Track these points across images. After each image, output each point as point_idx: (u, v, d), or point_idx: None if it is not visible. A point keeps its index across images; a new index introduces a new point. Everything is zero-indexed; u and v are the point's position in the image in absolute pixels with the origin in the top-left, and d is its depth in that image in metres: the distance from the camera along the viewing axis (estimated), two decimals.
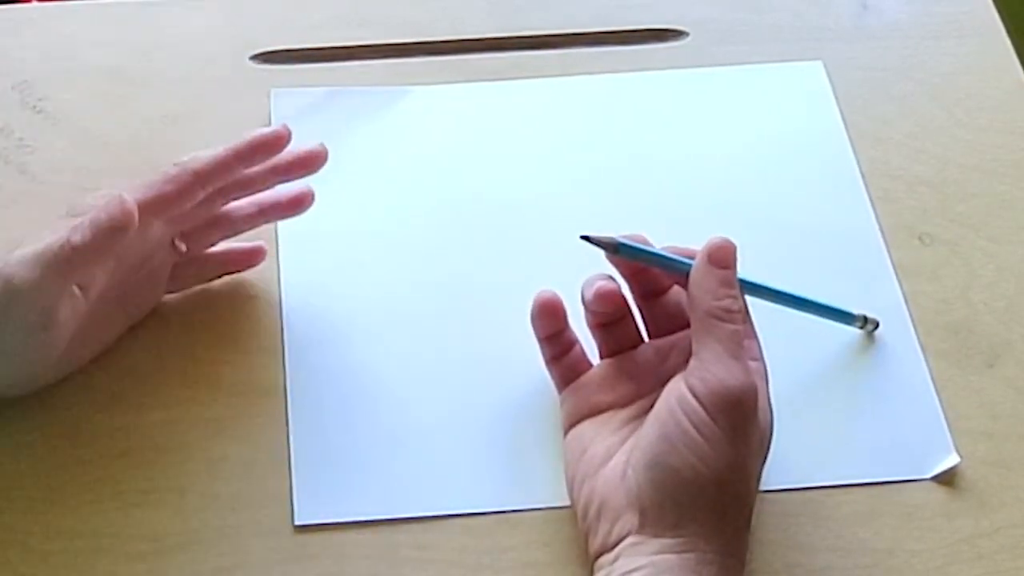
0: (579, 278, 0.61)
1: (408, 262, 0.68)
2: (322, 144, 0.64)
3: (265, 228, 0.68)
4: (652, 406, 0.57)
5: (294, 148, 0.64)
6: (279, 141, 0.63)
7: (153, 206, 0.59)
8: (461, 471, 0.61)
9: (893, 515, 0.61)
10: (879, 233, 0.70)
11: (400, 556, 0.59)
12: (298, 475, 0.61)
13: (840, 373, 0.65)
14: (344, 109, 0.74)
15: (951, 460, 0.62)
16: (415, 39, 0.78)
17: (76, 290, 0.58)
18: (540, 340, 0.62)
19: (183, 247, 0.63)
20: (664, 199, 0.71)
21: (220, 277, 0.66)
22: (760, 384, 0.57)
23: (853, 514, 0.61)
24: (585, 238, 0.59)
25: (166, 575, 0.58)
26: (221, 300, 0.66)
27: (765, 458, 0.57)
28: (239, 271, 0.66)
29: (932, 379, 0.65)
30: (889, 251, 0.70)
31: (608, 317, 0.61)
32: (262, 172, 0.63)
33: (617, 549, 0.55)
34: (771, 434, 0.57)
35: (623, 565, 0.54)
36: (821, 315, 0.65)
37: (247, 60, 0.76)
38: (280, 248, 0.68)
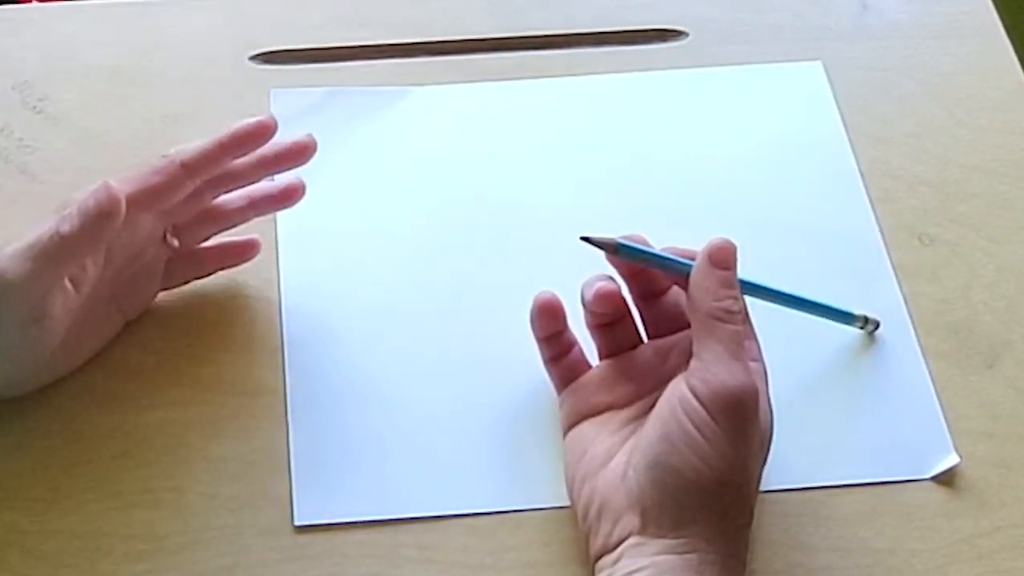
0: (579, 279, 0.61)
1: (408, 262, 0.68)
2: (311, 135, 0.64)
3: (265, 228, 0.68)
4: (652, 407, 0.57)
5: (283, 140, 0.63)
6: (265, 131, 0.62)
7: (142, 198, 0.59)
8: (462, 471, 0.61)
9: (893, 515, 0.61)
10: (879, 233, 0.70)
11: (400, 556, 0.59)
12: (298, 475, 0.61)
13: (840, 373, 0.65)
14: (344, 109, 0.74)
15: (951, 460, 0.62)
16: (415, 39, 0.78)
17: (68, 284, 0.58)
18: (539, 341, 0.62)
19: (175, 242, 0.63)
20: (664, 199, 0.71)
21: (215, 272, 0.66)
22: (760, 385, 0.57)
23: (853, 514, 0.61)
24: (585, 239, 0.59)
25: (166, 575, 0.58)
26: (221, 300, 0.66)
27: (765, 458, 0.57)
28: (234, 265, 0.66)
29: (932, 379, 0.65)
30: (889, 251, 0.70)
31: (608, 318, 0.61)
32: (251, 164, 0.63)
33: (618, 550, 0.55)
34: (771, 434, 0.57)
35: (624, 566, 0.54)
36: (821, 315, 0.65)
37: (247, 60, 0.76)
38: (280, 248, 0.68)
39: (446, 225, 0.70)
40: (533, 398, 0.63)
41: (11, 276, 0.55)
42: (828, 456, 0.62)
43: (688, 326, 0.58)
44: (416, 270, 0.68)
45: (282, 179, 0.65)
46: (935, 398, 0.65)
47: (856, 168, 0.73)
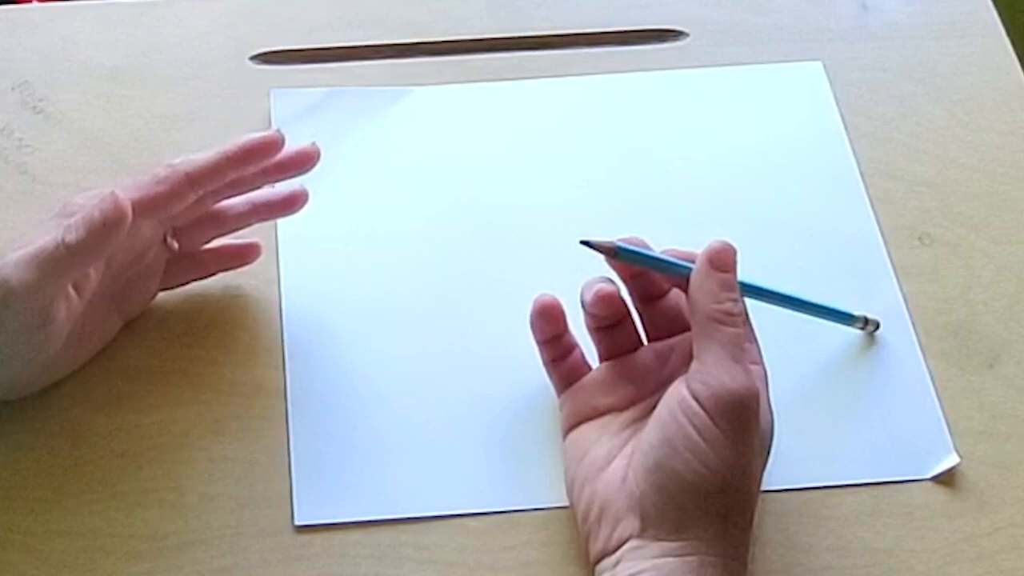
0: (579, 281, 0.61)
1: (408, 263, 0.68)
2: (314, 144, 0.64)
3: (265, 228, 0.68)
4: (652, 409, 0.57)
5: (287, 148, 0.63)
6: (272, 146, 0.63)
7: (144, 206, 0.59)
8: (461, 471, 0.61)
9: (893, 515, 0.61)
10: (879, 233, 0.70)
11: (400, 556, 0.59)
12: (298, 475, 0.61)
13: (840, 373, 0.65)
14: (344, 109, 0.74)
15: (951, 460, 0.62)
16: (415, 39, 0.78)
17: (71, 290, 0.58)
18: (539, 343, 0.62)
19: (175, 244, 0.63)
20: (664, 199, 0.71)
21: (215, 274, 0.66)
22: (761, 387, 0.57)
23: (853, 514, 0.61)
24: (585, 243, 0.59)
25: (166, 575, 0.58)
26: (221, 300, 0.66)
27: (766, 460, 0.57)
28: (234, 268, 0.66)
29: (932, 379, 0.65)
30: (889, 251, 0.70)
31: (607, 320, 0.61)
32: (254, 172, 0.63)
33: (618, 553, 0.55)
34: (772, 436, 0.57)
35: (625, 569, 0.54)
36: (822, 317, 0.65)
37: (247, 60, 0.76)
38: (280, 248, 0.68)
39: (446, 225, 0.70)
40: (532, 399, 0.63)
41: (16, 284, 0.55)
42: (828, 456, 0.63)
43: (688, 328, 0.58)
44: (416, 270, 0.68)
45: (285, 186, 0.65)
46: (935, 398, 0.65)
47: (856, 168, 0.73)
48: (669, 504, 0.54)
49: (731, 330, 0.56)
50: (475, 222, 0.70)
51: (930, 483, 0.62)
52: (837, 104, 0.76)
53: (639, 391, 0.60)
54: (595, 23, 0.79)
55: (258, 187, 0.64)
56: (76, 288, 0.59)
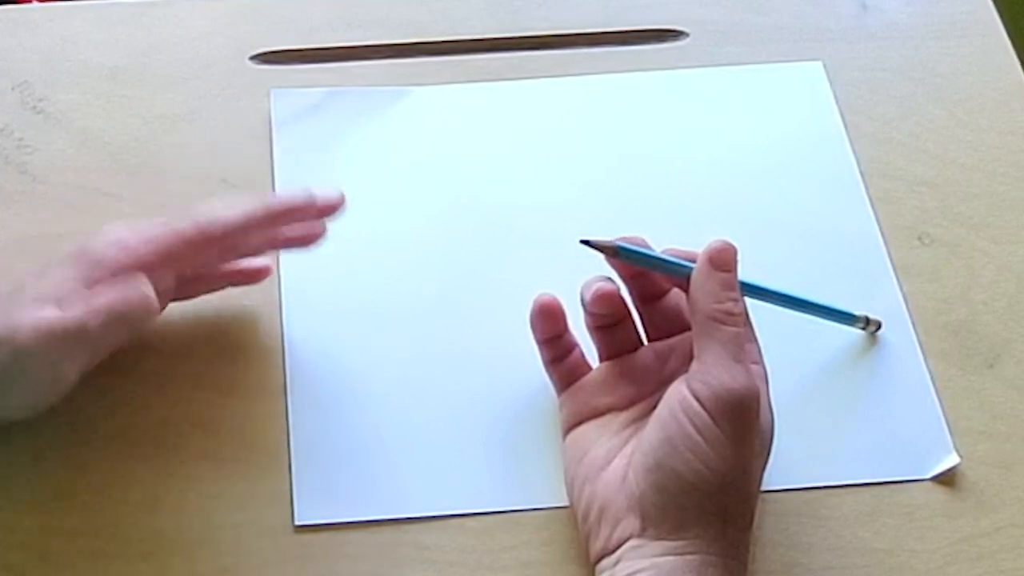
0: (579, 280, 0.61)
1: (408, 262, 0.68)
2: (341, 194, 0.63)
3: None
4: (652, 409, 0.57)
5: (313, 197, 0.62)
6: (305, 212, 0.62)
7: (163, 263, 0.59)
8: (461, 471, 0.61)
9: (893, 515, 0.61)
10: (879, 233, 0.70)
11: (400, 556, 0.59)
12: (298, 475, 0.61)
13: (840, 373, 0.65)
14: (344, 109, 0.74)
15: (951, 460, 0.62)
16: (415, 39, 0.78)
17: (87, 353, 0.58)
18: (539, 343, 0.62)
19: (188, 271, 0.63)
20: (664, 199, 0.71)
21: (223, 288, 0.65)
22: (761, 387, 0.57)
23: (853, 514, 0.61)
24: (585, 242, 0.59)
25: (166, 575, 0.58)
26: (222, 301, 0.66)
27: (766, 460, 0.57)
28: (244, 285, 0.65)
29: (932, 379, 0.65)
30: (889, 251, 0.70)
31: (607, 319, 0.61)
32: (276, 239, 0.63)
33: (618, 552, 0.55)
34: (772, 436, 0.57)
35: (625, 568, 0.54)
36: (822, 317, 0.65)
37: (247, 60, 0.76)
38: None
39: (446, 225, 0.70)
40: (532, 399, 0.63)
41: (31, 351, 0.55)
42: (828, 456, 0.63)
43: (688, 328, 0.58)
44: (416, 270, 0.68)
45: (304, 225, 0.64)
46: (935, 398, 0.65)
47: (856, 168, 0.73)
48: (669, 504, 0.54)
49: (732, 329, 0.56)
50: (475, 222, 0.70)
51: (930, 483, 0.62)
52: (837, 104, 0.76)
53: (639, 391, 0.60)
54: (595, 23, 0.79)
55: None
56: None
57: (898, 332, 0.66)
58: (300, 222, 0.64)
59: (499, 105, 0.75)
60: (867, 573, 0.59)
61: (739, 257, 0.58)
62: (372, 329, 0.66)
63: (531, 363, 0.62)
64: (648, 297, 0.61)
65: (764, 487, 0.58)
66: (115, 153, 0.72)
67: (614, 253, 0.59)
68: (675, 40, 0.79)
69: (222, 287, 0.65)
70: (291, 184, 0.70)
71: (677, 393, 0.55)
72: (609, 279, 0.60)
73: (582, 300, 0.61)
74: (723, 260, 0.57)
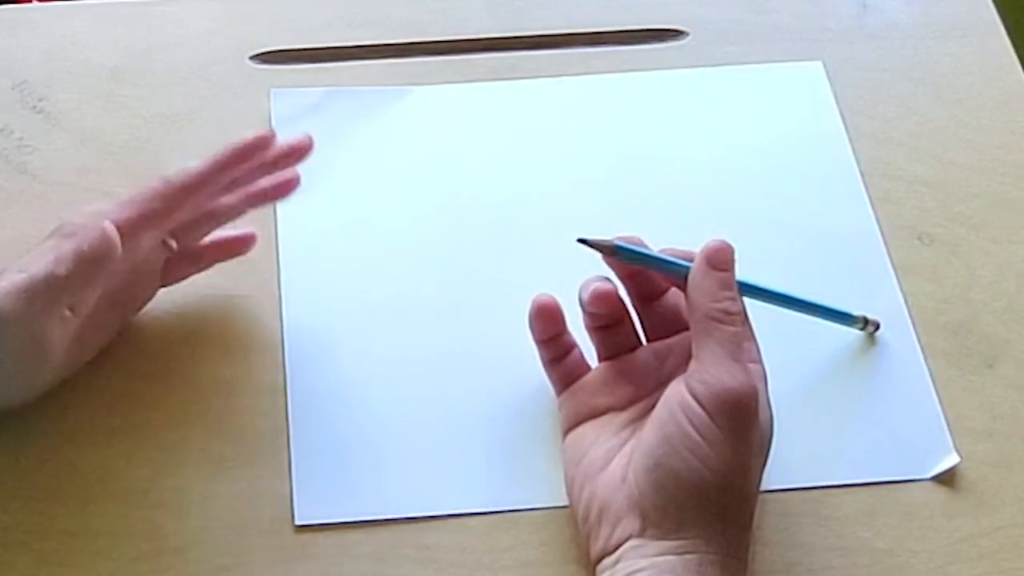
0: (579, 280, 0.61)
1: (408, 262, 0.68)
2: (308, 135, 0.65)
3: (265, 228, 0.68)
4: (651, 409, 0.57)
5: (280, 142, 0.64)
6: (264, 145, 0.63)
7: (142, 222, 0.59)
8: (461, 471, 0.61)
9: (893, 515, 0.61)
10: (879, 233, 0.70)
11: (399, 556, 0.59)
12: (298, 475, 0.61)
13: (840, 373, 0.65)
14: (344, 109, 0.74)
15: (951, 460, 0.62)
16: (415, 39, 0.78)
17: (67, 312, 0.58)
18: (538, 343, 0.62)
19: (173, 244, 0.63)
20: (663, 199, 0.71)
21: (212, 265, 0.66)
22: (760, 386, 0.57)
23: (853, 514, 0.61)
24: (582, 241, 0.59)
25: (166, 575, 0.58)
26: (221, 300, 0.66)
27: (766, 459, 0.57)
28: (232, 258, 0.66)
29: (932, 379, 0.65)
30: (889, 251, 0.70)
31: (605, 319, 0.61)
32: (249, 169, 0.63)
33: (618, 552, 0.55)
34: (771, 436, 0.57)
35: (625, 568, 0.54)
36: (821, 317, 0.65)
37: (247, 60, 0.76)
38: (280, 248, 0.68)
39: (445, 225, 0.70)
40: (532, 398, 0.63)
41: (7, 315, 0.55)
42: (828, 456, 0.62)
43: (686, 328, 0.58)
44: (416, 270, 0.68)
45: (278, 174, 0.65)
46: (935, 398, 0.65)
47: (856, 168, 0.73)
48: (669, 503, 0.54)
49: (730, 329, 0.56)
50: (474, 222, 0.70)
51: (930, 483, 0.62)
52: (837, 104, 0.76)
53: (638, 391, 0.60)
54: (594, 23, 0.79)
55: (252, 182, 0.64)
56: (72, 310, 0.58)
57: (898, 332, 0.66)
58: (270, 169, 0.64)
59: (498, 105, 0.75)
60: (867, 573, 0.59)
61: (739, 257, 0.58)
62: (372, 329, 0.66)
63: (531, 363, 0.62)
64: (646, 297, 0.61)
65: (764, 487, 0.58)
66: (115, 153, 0.72)
67: (612, 252, 0.59)
68: (675, 40, 0.79)
69: (211, 264, 0.65)
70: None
71: (676, 393, 0.55)
72: (607, 279, 0.60)
73: (580, 300, 0.60)
74: (720, 259, 0.57)
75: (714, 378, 0.54)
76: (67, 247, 0.57)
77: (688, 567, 0.53)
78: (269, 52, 0.77)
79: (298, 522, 0.59)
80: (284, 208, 0.69)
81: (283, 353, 0.65)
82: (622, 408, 0.60)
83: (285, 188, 0.65)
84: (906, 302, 0.68)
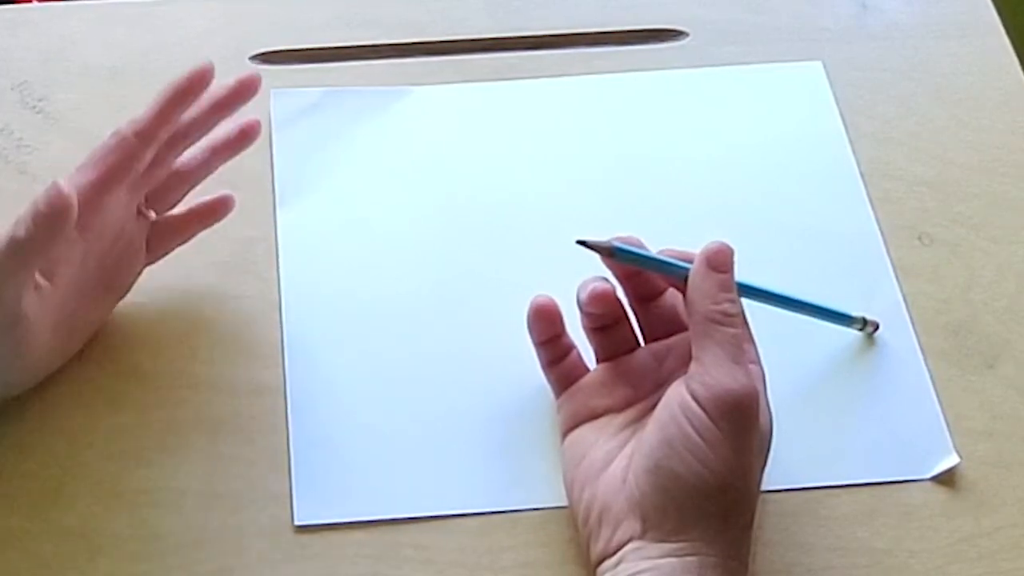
0: (579, 282, 0.61)
1: (407, 262, 0.68)
2: (252, 74, 0.64)
3: (265, 228, 0.68)
4: (650, 410, 0.57)
5: (226, 81, 0.63)
6: (204, 75, 0.62)
7: (106, 179, 0.59)
8: (460, 471, 0.61)
9: (893, 515, 0.61)
10: (879, 233, 0.70)
11: (399, 556, 0.59)
12: (298, 475, 0.61)
13: (840, 373, 0.65)
14: (344, 109, 0.74)
15: (951, 460, 0.62)
16: (415, 39, 0.78)
17: (42, 280, 0.58)
18: (537, 345, 0.62)
19: (151, 213, 0.63)
20: (663, 199, 0.71)
21: (195, 234, 0.65)
22: (760, 387, 0.57)
23: (853, 514, 0.61)
24: (581, 242, 0.59)
25: (166, 575, 0.58)
26: (221, 300, 0.66)
27: (765, 460, 0.57)
28: (213, 224, 0.66)
29: (932, 379, 0.65)
30: (889, 251, 0.70)
31: (603, 320, 0.61)
32: (203, 113, 0.63)
33: (619, 554, 0.55)
34: (771, 436, 0.57)
35: (625, 570, 0.54)
36: (820, 318, 0.65)
37: (247, 60, 0.76)
38: (280, 248, 0.68)
39: (445, 226, 0.70)
40: (531, 398, 0.63)
41: None
42: (828, 456, 0.63)
43: (685, 328, 0.58)
44: (415, 270, 0.68)
45: (237, 121, 0.65)
46: (935, 398, 0.65)
47: (856, 168, 0.73)
48: (670, 505, 0.54)
49: (730, 330, 0.56)
50: (474, 222, 0.70)
51: (930, 483, 0.62)
52: (837, 104, 0.76)
53: (637, 392, 0.60)
54: (594, 23, 0.79)
55: (210, 129, 0.64)
56: (47, 277, 0.58)
57: (898, 332, 0.66)
58: (225, 113, 0.64)
59: (498, 105, 0.75)
60: (867, 573, 0.59)
61: (738, 257, 0.58)
62: (372, 329, 0.66)
63: (530, 363, 0.62)
64: (644, 297, 0.61)
65: (764, 487, 0.58)
66: None
67: (610, 253, 0.59)
68: (674, 40, 0.79)
69: (193, 233, 0.65)
70: (291, 184, 0.70)
71: (676, 395, 0.55)
72: (605, 279, 0.60)
73: (578, 300, 0.60)
74: (720, 261, 0.57)
75: (715, 380, 0.54)
76: (24, 210, 0.56)
77: (689, 569, 0.53)
78: (269, 52, 0.77)
79: (298, 522, 0.59)
80: (284, 208, 0.69)
81: (283, 353, 0.65)
82: (621, 409, 0.60)
83: (248, 134, 0.65)
84: (906, 302, 0.68)
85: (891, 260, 0.69)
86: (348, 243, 0.69)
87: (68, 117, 0.73)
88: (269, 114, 0.73)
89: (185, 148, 0.64)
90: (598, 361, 0.62)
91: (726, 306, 0.56)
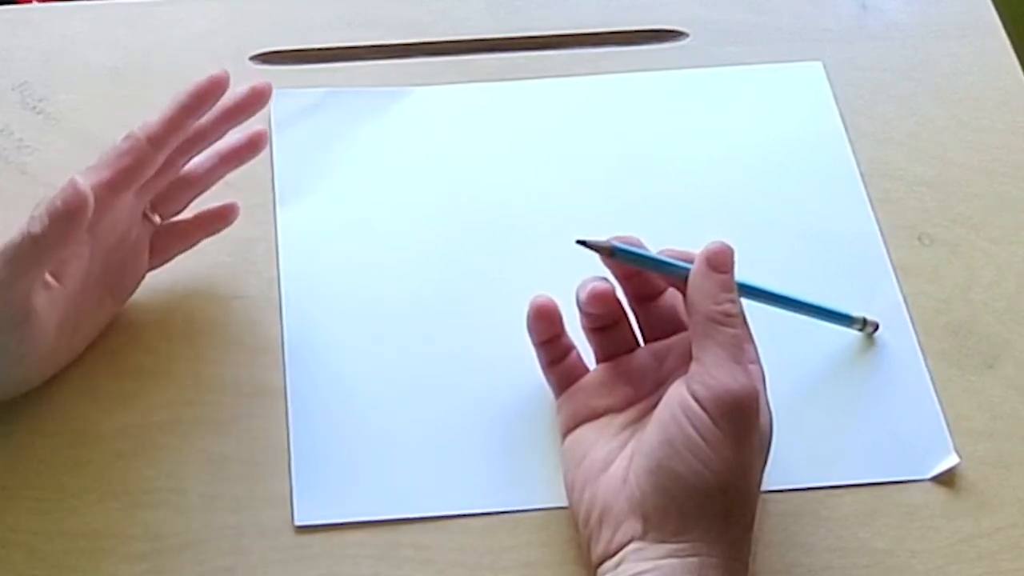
0: (578, 281, 0.61)
1: (408, 263, 0.68)
2: (264, 82, 0.64)
3: (265, 228, 0.68)
4: (650, 410, 0.57)
5: (238, 89, 0.63)
6: (219, 84, 0.62)
7: (116, 182, 0.59)
8: (461, 472, 0.61)
9: (893, 515, 0.61)
10: (879, 234, 0.70)
11: (399, 556, 0.59)
12: (298, 475, 0.61)
13: (839, 373, 0.65)
14: (344, 109, 0.74)
15: (951, 460, 0.62)
16: (415, 39, 0.78)
17: (50, 279, 0.58)
18: (536, 345, 0.62)
19: (156, 217, 0.63)
20: (663, 200, 0.71)
21: (200, 241, 0.66)
22: (760, 387, 0.57)
23: (853, 514, 0.61)
24: (581, 242, 0.59)
25: (166, 575, 0.58)
26: (221, 300, 0.66)
27: (766, 460, 0.57)
28: (217, 231, 0.66)
29: (932, 379, 0.65)
30: (889, 251, 0.70)
31: (603, 320, 0.61)
32: (214, 120, 0.63)
33: (619, 555, 0.55)
34: (771, 437, 0.57)
35: (626, 571, 0.54)
36: (820, 318, 0.65)
37: (247, 60, 0.76)
38: (280, 248, 0.68)
39: (445, 226, 0.70)
40: (531, 398, 0.63)
41: None
42: (828, 456, 0.63)
43: (685, 328, 0.58)
44: (416, 271, 0.68)
45: (245, 130, 0.65)
46: (935, 398, 0.65)
47: (856, 168, 0.73)
48: (670, 505, 0.54)
49: (730, 331, 0.56)
50: (474, 222, 0.70)
51: (930, 483, 0.62)
52: (837, 104, 0.76)
53: (637, 392, 0.60)
54: (595, 23, 0.79)
55: (221, 137, 0.64)
56: (56, 277, 0.58)
57: (898, 332, 0.66)
58: (236, 120, 0.64)
59: (499, 105, 0.75)
60: (867, 573, 0.59)
61: (738, 257, 0.58)
62: (372, 329, 0.66)
63: (530, 363, 0.62)
64: (644, 297, 0.61)
65: (764, 487, 0.58)
66: None
67: (610, 253, 0.59)
68: (675, 40, 0.79)
69: (197, 240, 0.65)
70: (291, 184, 0.70)
71: (677, 395, 0.55)
72: (604, 279, 0.60)
73: (577, 300, 0.60)
74: (720, 261, 0.57)
75: (715, 380, 0.54)
76: (40, 208, 0.56)
77: (690, 570, 0.53)
78: (269, 52, 0.77)
79: (298, 522, 0.59)
80: (284, 208, 0.69)
81: (283, 353, 0.65)
82: (621, 409, 0.60)
83: (256, 144, 0.65)
84: (906, 302, 0.68)
85: (891, 260, 0.69)
86: (349, 243, 0.69)
87: (68, 117, 0.73)
88: (269, 114, 0.73)
89: (194, 155, 0.64)
90: (598, 361, 0.62)
91: (726, 306, 0.56)
